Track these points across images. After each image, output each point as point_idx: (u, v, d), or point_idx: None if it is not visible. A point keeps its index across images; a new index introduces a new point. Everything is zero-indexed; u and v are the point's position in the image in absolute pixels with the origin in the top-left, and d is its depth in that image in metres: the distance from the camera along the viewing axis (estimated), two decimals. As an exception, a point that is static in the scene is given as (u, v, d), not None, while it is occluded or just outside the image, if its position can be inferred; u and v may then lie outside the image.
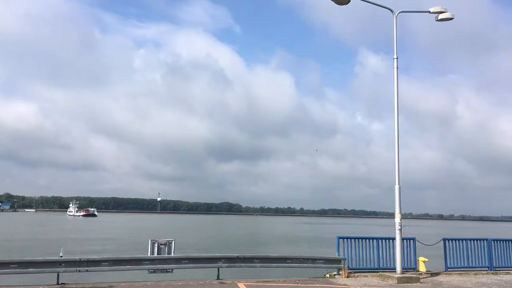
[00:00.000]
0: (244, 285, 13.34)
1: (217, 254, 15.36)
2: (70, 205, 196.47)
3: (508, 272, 17.52)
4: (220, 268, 14.86)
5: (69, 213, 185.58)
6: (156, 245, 14.32)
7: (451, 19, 16.19)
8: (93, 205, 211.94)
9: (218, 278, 14.57)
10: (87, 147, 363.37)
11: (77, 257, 13.54)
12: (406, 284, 14.41)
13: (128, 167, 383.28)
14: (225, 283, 13.76)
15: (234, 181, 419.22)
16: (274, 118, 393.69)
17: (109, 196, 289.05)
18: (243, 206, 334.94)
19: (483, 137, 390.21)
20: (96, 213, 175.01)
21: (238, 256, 15.12)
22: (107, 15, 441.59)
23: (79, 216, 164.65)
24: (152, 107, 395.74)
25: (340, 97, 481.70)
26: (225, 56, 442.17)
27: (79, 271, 13.29)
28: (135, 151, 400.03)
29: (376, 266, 16.26)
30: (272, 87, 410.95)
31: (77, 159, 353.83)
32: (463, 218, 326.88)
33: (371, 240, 16.56)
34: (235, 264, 15.06)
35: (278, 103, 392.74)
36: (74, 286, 12.94)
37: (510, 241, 18.49)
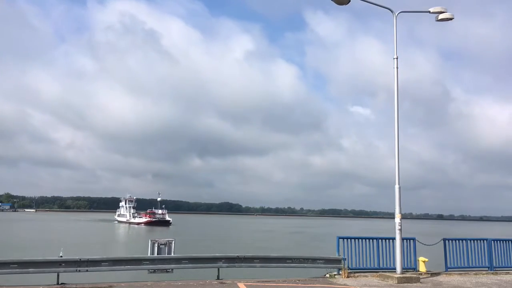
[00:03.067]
0: (244, 285, 13.34)
1: (217, 254, 15.36)
2: (121, 204, 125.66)
3: (508, 272, 17.51)
4: (220, 268, 14.86)
5: (120, 218, 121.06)
6: (156, 245, 14.32)
7: (451, 19, 16.19)
8: (162, 205, 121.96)
9: (218, 278, 14.57)
10: (56, 140, 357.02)
11: (77, 257, 13.53)
12: (406, 284, 14.40)
13: (107, 163, 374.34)
14: (225, 283, 13.77)
15: (225, 179, 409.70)
16: (249, 103, 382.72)
17: (109, 196, 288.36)
18: (243, 206, 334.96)
19: (478, 129, 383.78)
20: (168, 217, 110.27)
21: (238, 256, 15.12)
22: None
23: (140, 224, 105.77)
24: (119, 94, 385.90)
25: (306, 76, 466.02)
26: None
27: (79, 271, 13.29)
28: (107, 145, 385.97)
29: (376, 266, 16.25)
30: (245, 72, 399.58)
31: (53, 154, 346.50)
32: (463, 218, 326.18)
33: (371, 240, 16.55)
34: (235, 264, 15.07)
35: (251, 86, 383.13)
36: (74, 286, 12.94)
37: (510, 241, 18.48)
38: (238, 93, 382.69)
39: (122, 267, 13.92)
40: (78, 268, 13.27)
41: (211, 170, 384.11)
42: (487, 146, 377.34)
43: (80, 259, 13.36)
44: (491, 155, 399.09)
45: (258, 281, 14.37)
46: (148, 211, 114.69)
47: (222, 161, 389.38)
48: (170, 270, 14.34)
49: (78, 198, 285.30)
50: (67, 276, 13.46)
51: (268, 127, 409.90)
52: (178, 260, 14.40)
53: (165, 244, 14.40)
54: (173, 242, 14.61)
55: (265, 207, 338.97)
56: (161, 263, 14.18)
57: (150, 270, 14.16)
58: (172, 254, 14.43)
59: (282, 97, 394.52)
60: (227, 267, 14.96)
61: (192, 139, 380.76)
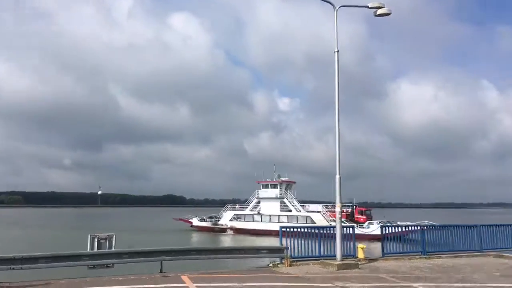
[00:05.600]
0: (188, 277, 13.27)
1: (159, 248, 15.17)
2: (260, 194, 59.00)
3: (439, 257, 18.54)
4: (163, 262, 14.68)
5: (255, 224, 57.39)
6: (96, 240, 13.93)
7: (388, 14, 16.74)
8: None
9: (161, 272, 14.40)
10: None
11: (11, 255, 12.91)
12: (345, 270, 14.92)
13: (14, 151, 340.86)
14: (168, 276, 13.64)
15: (159, 169, 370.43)
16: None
17: (44, 190, 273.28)
18: (188, 198, 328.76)
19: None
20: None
21: (181, 249, 15.02)
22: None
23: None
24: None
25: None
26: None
27: (13, 268, 12.69)
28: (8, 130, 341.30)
29: (317, 254, 16.70)
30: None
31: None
32: (400, 205, 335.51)
33: (312, 229, 16.98)
34: (179, 257, 14.95)
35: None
36: (8, 285, 12.34)
37: (441, 227, 19.59)
38: (147, 65, 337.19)
39: (61, 263, 13.45)
40: (12, 266, 12.67)
41: (141, 159, 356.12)
42: (411, 129, 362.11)
43: (14, 257, 12.75)
44: (418, 141, 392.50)
45: (202, 273, 14.36)
46: (361, 212, 57.37)
47: (149, 149, 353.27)
48: (111, 265, 14.01)
49: (12, 193, 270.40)
50: (0, 275, 12.82)
51: (193, 109, 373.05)
52: (119, 255, 14.09)
53: (105, 239, 14.04)
54: (114, 236, 14.27)
55: (210, 199, 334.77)
56: (101, 258, 13.82)
57: (90, 266, 13.77)
58: (113, 249, 14.10)
59: (195, 65, 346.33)
60: (170, 260, 14.80)
61: (110, 124, 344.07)
